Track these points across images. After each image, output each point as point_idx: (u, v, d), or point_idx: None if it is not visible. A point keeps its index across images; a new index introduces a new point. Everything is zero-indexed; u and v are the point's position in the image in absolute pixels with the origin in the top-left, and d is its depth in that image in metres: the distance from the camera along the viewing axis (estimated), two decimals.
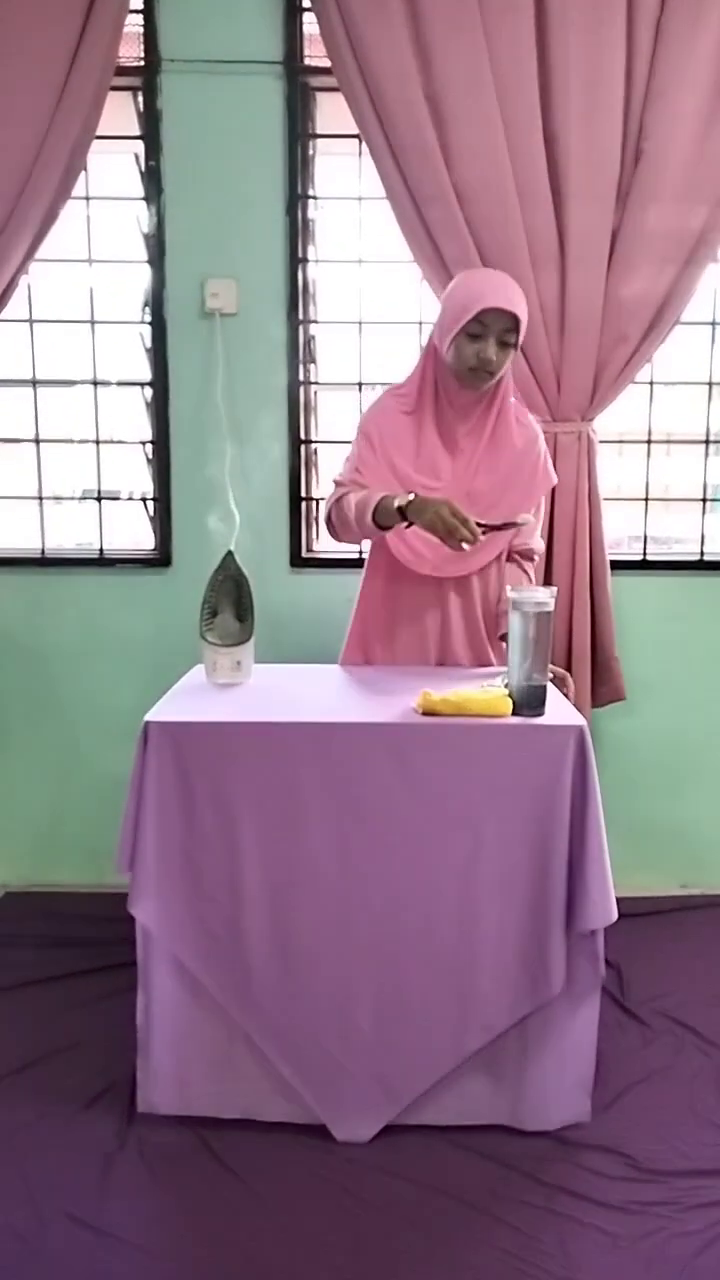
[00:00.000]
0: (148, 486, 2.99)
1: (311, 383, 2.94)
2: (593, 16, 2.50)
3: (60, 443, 3.01)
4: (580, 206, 2.58)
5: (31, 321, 2.91)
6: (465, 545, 1.99)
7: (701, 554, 2.99)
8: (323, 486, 3.03)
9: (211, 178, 2.78)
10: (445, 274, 2.63)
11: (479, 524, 2.00)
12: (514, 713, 1.89)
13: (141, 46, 2.75)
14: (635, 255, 2.61)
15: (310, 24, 2.71)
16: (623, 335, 2.64)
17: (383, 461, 2.19)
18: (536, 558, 2.35)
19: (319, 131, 2.84)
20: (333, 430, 3.01)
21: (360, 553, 2.96)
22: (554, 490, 2.69)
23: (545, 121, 2.56)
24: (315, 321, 2.92)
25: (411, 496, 2.02)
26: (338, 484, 2.23)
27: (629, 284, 2.61)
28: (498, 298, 2.05)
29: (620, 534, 3.03)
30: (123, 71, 2.70)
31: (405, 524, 2.05)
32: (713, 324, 2.91)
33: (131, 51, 2.74)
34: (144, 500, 3.00)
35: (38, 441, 2.96)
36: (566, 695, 2.14)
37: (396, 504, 2.02)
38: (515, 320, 2.06)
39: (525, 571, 2.28)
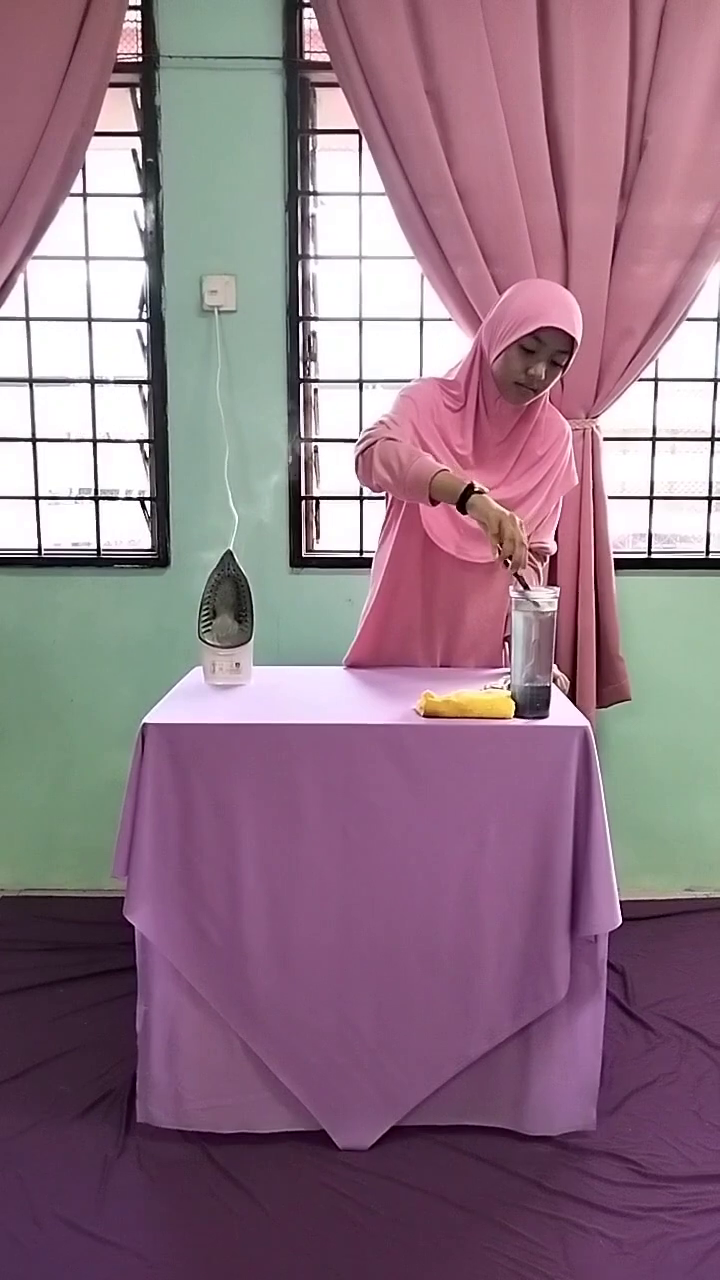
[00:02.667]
0: (145, 486, 2.97)
1: (311, 380, 2.92)
2: (596, 9, 2.48)
3: (57, 441, 2.99)
4: (583, 201, 2.56)
5: (28, 319, 2.89)
6: (508, 560, 1.87)
7: (707, 551, 2.97)
8: (322, 485, 3.01)
9: (210, 174, 2.76)
10: (447, 270, 2.61)
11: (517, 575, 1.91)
12: (516, 714, 1.87)
13: (140, 42, 2.73)
14: (639, 250, 2.59)
15: (310, 19, 2.69)
16: (627, 331, 2.62)
17: (423, 430, 2.10)
18: (548, 557, 2.32)
19: (319, 127, 2.83)
20: (333, 429, 2.99)
21: (362, 551, 2.95)
22: None
23: (548, 116, 2.54)
24: (315, 318, 2.90)
25: (483, 489, 1.92)
26: (386, 423, 2.09)
27: (633, 279, 2.59)
28: (560, 318, 1.98)
29: (625, 532, 3.01)
30: (121, 68, 2.68)
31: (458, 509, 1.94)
32: (718, 320, 2.88)
33: (130, 47, 2.73)
34: (142, 500, 2.98)
35: (34, 440, 2.94)
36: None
37: (464, 489, 1.91)
38: (571, 343, 2.00)
39: (535, 569, 2.26)
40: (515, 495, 2.15)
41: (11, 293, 2.74)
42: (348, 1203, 1.79)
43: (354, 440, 2.88)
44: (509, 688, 1.92)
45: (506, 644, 2.11)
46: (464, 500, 1.91)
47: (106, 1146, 1.92)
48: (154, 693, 2.07)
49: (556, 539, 2.60)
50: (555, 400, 2.67)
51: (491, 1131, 1.95)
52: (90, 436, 2.94)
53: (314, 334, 2.91)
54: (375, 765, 1.83)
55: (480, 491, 1.91)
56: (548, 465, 2.18)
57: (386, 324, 2.92)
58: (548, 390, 2.10)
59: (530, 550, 2.24)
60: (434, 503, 1.99)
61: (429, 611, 2.23)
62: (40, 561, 2.97)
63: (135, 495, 3.00)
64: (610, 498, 2.77)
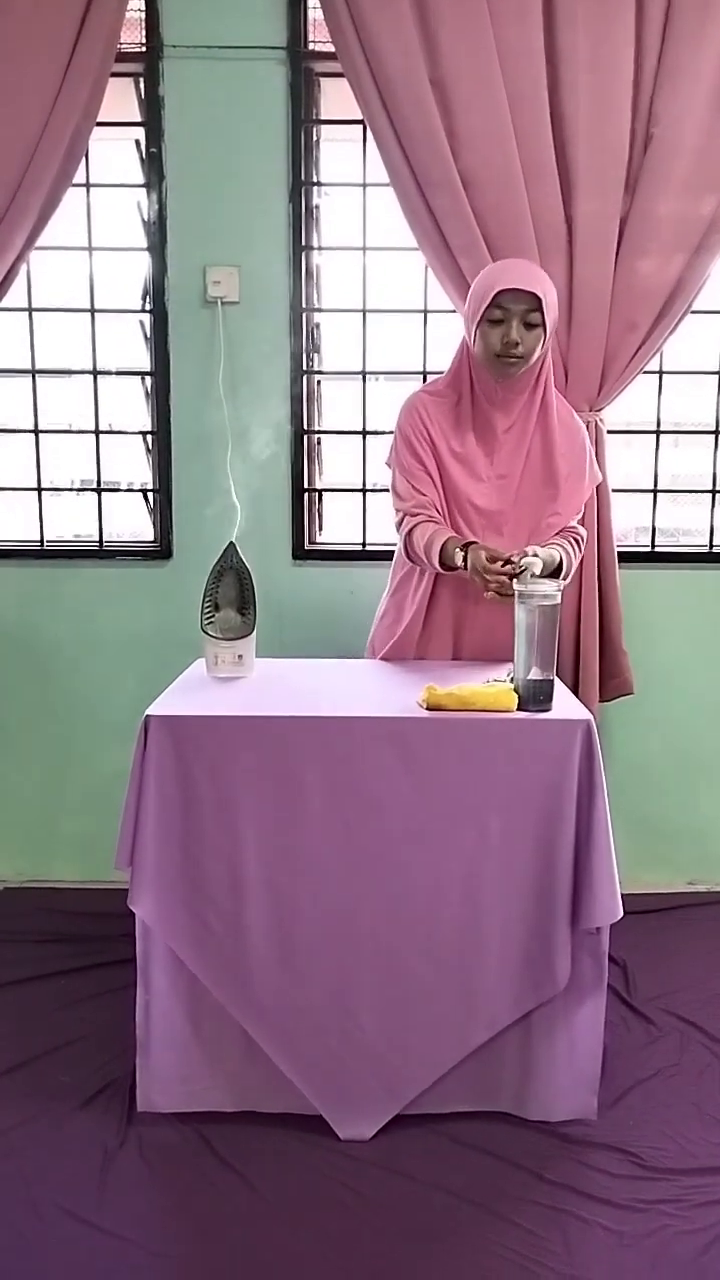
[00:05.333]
0: (148, 477, 2.96)
1: (315, 372, 2.91)
2: (601, 0, 2.46)
3: (60, 433, 2.98)
4: (588, 193, 2.55)
5: (31, 310, 2.88)
6: (501, 594, 1.98)
7: (711, 545, 2.96)
8: (325, 477, 3.00)
9: (214, 164, 2.75)
10: (451, 262, 2.60)
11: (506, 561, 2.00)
12: (519, 707, 1.87)
13: (143, 32, 2.71)
14: (644, 243, 2.57)
15: (314, 9, 2.68)
16: (631, 324, 2.61)
17: (428, 463, 2.18)
18: (580, 544, 2.29)
19: (323, 117, 2.81)
20: (336, 420, 2.98)
21: (365, 544, 2.94)
22: None
23: (553, 107, 2.52)
24: (319, 310, 2.89)
25: (464, 554, 2.05)
26: (402, 512, 2.21)
27: (637, 272, 2.58)
28: (512, 278, 2.06)
29: (628, 525, 3.00)
30: (124, 57, 2.66)
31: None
32: None
33: (133, 37, 2.71)
34: (144, 491, 2.97)
35: (37, 431, 2.93)
36: None
37: (458, 561, 2.06)
38: (536, 300, 2.05)
39: (569, 542, 2.22)
40: (536, 483, 2.18)
41: (14, 283, 2.73)
42: (348, 1193, 1.80)
43: (357, 432, 2.91)
44: (512, 680, 1.92)
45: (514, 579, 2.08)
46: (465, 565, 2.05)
47: (107, 1137, 1.92)
48: (157, 685, 2.07)
49: None
50: (559, 393, 2.67)
51: (492, 1123, 1.96)
52: (93, 428, 2.93)
53: (317, 325, 2.90)
54: (378, 758, 1.83)
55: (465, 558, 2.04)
56: (569, 457, 2.22)
57: (390, 315, 2.91)
58: (540, 356, 2.13)
59: (568, 530, 2.25)
60: (451, 569, 2.11)
61: (445, 608, 2.25)
62: (42, 553, 2.97)
63: (138, 487, 3.00)
64: (614, 491, 2.75)
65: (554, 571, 2.12)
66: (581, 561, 2.69)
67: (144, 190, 2.79)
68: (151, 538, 2.98)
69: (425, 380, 2.76)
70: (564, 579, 2.17)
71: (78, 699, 2.98)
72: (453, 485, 2.18)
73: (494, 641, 2.21)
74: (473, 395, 2.18)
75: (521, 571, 1.99)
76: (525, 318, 2.06)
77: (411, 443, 2.19)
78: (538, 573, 2.04)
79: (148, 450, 2.94)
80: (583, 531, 2.31)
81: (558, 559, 2.13)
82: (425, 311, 2.87)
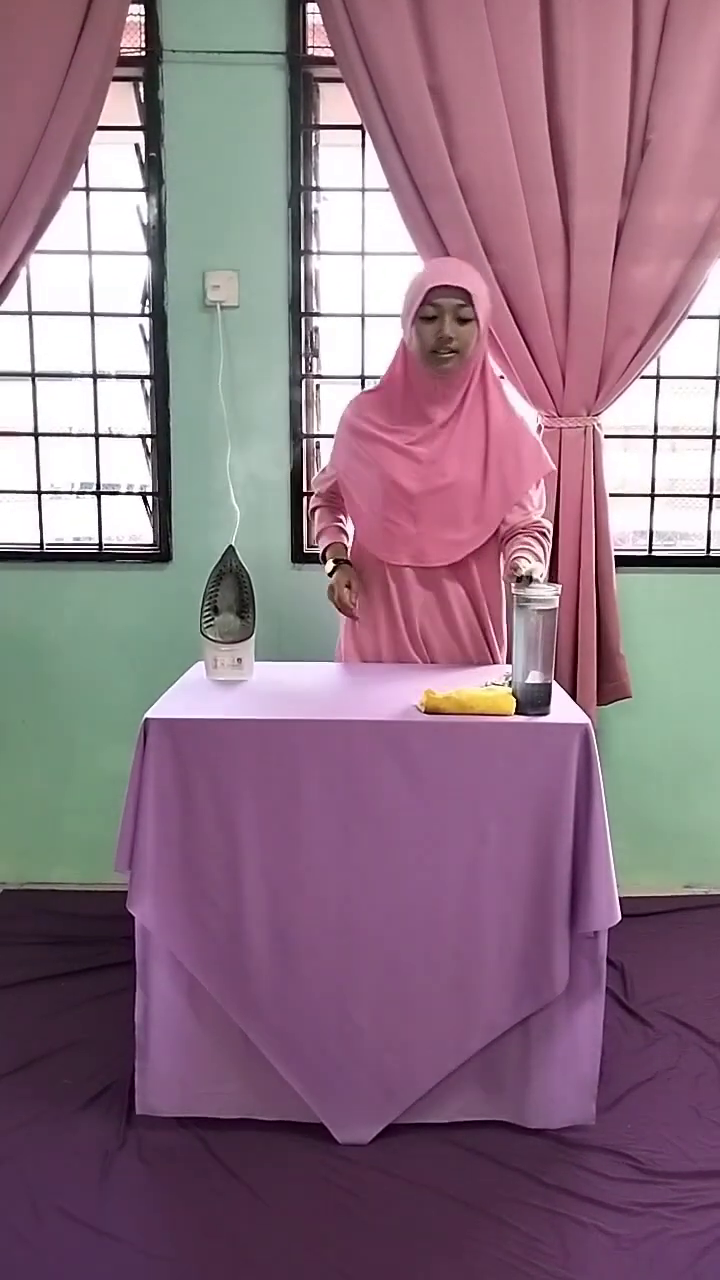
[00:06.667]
0: (147, 481, 2.97)
1: (313, 376, 2.92)
2: (599, 6, 2.47)
3: (59, 436, 2.99)
4: (585, 199, 2.56)
5: (31, 314, 2.89)
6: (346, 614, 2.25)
7: (708, 549, 2.97)
8: None
9: (213, 169, 2.76)
10: None
11: None
12: (517, 711, 1.87)
13: (143, 36, 2.72)
14: (641, 248, 2.58)
15: (313, 14, 2.69)
16: (629, 329, 2.61)
17: (360, 458, 2.25)
18: (546, 538, 2.26)
19: (322, 122, 2.82)
20: (334, 424, 2.97)
21: None
22: (559, 485, 2.67)
23: (550, 113, 2.53)
24: (317, 314, 2.90)
25: (331, 566, 2.30)
26: (315, 492, 2.49)
27: (635, 277, 2.59)
28: (442, 276, 2.13)
29: (626, 529, 3.01)
30: (124, 62, 2.67)
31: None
32: None
33: (133, 41, 2.71)
34: (144, 495, 2.98)
35: (36, 435, 2.94)
36: None
37: (327, 570, 2.31)
38: (467, 295, 2.10)
39: (535, 539, 2.20)
40: (475, 471, 2.19)
41: (14, 287, 2.73)
42: (347, 1196, 1.80)
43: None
44: (510, 684, 1.93)
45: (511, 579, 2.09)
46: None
47: (107, 1139, 1.93)
48: (156, 688, 2.07)
49: (557, 536, 2.60)
50: (557, 397, 2.68)
51: (490, 1127, 1.96)
52: (92, 431, 2.94)
53: (316, 330, 2.91)
54: (376, 761, 1.83)
55: (332, 571, 2.29)
56: (509, 444, 2.22)
57: (388, 320, 2.90)
58: (475, 351, 2.16)
59: (531, 525, 2.23)
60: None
61: (399, 607, 2.27)
62: (42, 556, 2.97)
63: (137, 490, 3.00)
64: (611, 495, 2.77)
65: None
66: (579, 565, 2.71)
67: (143, 194, 2.80)
68: (151, 541, 2.99)
69: None
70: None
71: (77, 702, 2.98)
72: (384, 472, 2.21)
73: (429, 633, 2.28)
74: (407, 390, 2.22)
75: (528, 580, 1.99)
76: (457, 313, 2.10)
77: (344, 432, 2.30)
78: (540, 578, 2.03)
79: (147, 454, 2.95)
80: (546, 525, 2.28)
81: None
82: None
